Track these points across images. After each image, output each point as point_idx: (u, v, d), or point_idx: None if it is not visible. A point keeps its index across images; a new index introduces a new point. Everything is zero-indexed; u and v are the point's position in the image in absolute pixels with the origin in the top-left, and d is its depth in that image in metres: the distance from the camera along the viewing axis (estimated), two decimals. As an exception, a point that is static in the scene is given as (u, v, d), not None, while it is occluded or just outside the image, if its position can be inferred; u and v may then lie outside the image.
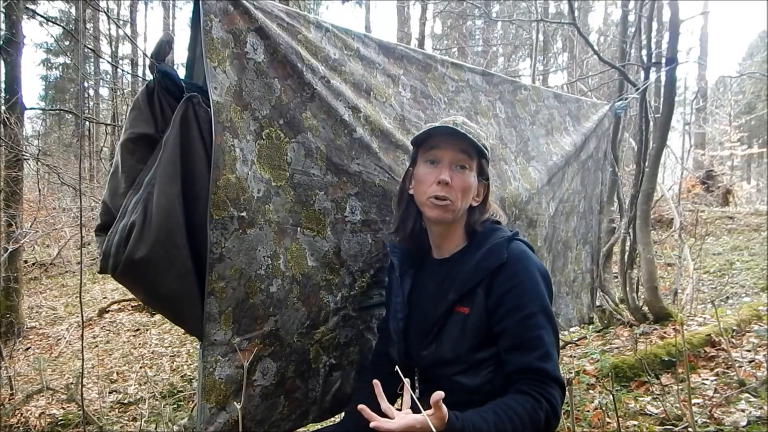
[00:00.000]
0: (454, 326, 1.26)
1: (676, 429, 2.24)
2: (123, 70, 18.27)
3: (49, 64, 18.09)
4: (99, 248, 1.34)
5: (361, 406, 1.02)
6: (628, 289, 3.90)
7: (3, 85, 6.06)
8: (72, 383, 4.13)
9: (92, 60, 14.90)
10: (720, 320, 3.08)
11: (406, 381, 1.09)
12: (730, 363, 2.76)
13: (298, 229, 1.51)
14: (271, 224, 1.44)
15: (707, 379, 2.72)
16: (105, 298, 7.56)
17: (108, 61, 16.57)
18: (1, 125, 5.29)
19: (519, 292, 1.21)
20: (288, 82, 1.47)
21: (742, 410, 2.32)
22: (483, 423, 1.07)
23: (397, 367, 1.11)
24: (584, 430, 2.36)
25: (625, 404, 2.55)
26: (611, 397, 2.16)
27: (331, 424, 1.56)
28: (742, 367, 2.74)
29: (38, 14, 8.30)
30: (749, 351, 3.01)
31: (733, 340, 3.19)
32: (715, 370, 2.81)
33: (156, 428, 3.27)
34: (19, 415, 3.73)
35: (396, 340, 1.39)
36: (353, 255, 1.63)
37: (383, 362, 1.47)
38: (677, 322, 2.71)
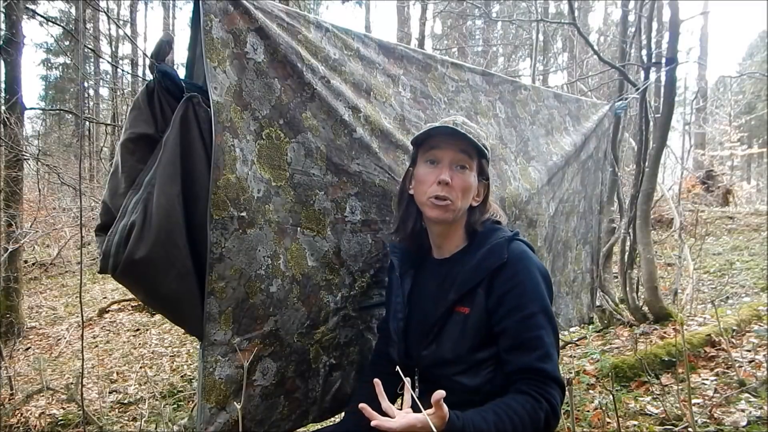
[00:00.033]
0: (454, 326, 1.26)
1: (676, 429, 2.24)
2: (123, 70, 18.28)
3: (49, 64, 18.10)
4: (99, 248, 1.34)
5: (362, 405, 1.02)
6: (628, 289, 3.90)
7: (3, 85, 6.06)
8: (72, 383, 4.13)
9: (92, 60, 14.91)
10: (720, 320, 3.08)
11: (407, 380, 1.09)
12: (730, 363, 2.76)
13: (298, 229, 1.51)
14: (271, 224, 1.44)
15: (707, 379, 2.72)
16: (105, 298, 7.56)
17: (108, 61, 16.58)
18: (1, 125, 5.29)
19: (519, 292, 1.21)
20: (288, 82, 1.47)
21: (742, 410, 2.32)
22: (483, 422, 1.07)
23: (397, 367, 1.11)
24: (584, 430, 2.36)
25: (625, 404, 2.55)
26: (611, 397, 2.16)
27: (331, 424, 1.56)
28: (742, 367, 2.74)
29: (38, 14, 8.31)
30: (749, 351, 3.01)
31: (733, 340, 3.19)
32: (715, 370, 2.81)
33: (156, 428, 3.27)
34: (19, 415, 3.73)
35: (396, 340, 1.39)
36: (353, 255, 1.63)
37: (383, 362, 1.47)
38: (677, 322, 2.71)
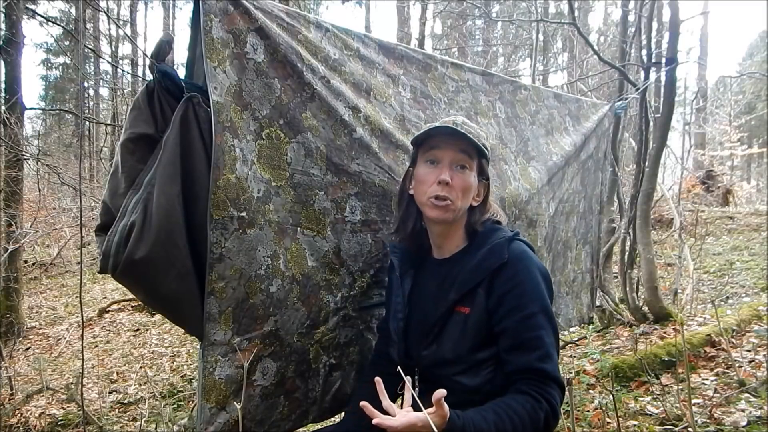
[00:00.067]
0: (454, 326, 1.26)
1: (676, 429, 2.24)
2: (123, 70, 18.28)
3: (49, 64, 18.09)
4: (99, 248, 1.34)
5: (363, 403, 1.02)
6: (628, 289, 3.90)
7: (3, 85, 6.06)
8: (72, 383, 4.13)
9: (92, 60, 14.91)
10: (720, 320, 3.08)
11: (407, 379, 1.09)
12: (730, 363, 2.76)
13: (298, 229, 1.51)
14: (271, 224, 1.44)
15: (707, 379, 2.72)
16: (105, 298, 7.56)
17: (108, 61, 16.58)
18: (1, 125, 5.29)
19: (519, 293, 1.21)
20: (288, 82, 1.47)
21: (742, 410, 2.32)
22: (483, 422, 1.08)
23: (398, 367, 1.11)
24: (584, 430, 2.36)
25: (625, 404, 2.55)
26: (611, 397, 2.16)
27: (331, 424, 1.56)
28: (742, 367, 2.74)
29: (38, 14, 8.31)
30: (749, 351, 3.01)
31: (733, 340, 3.19)
32: (715, 370, 2.81)
33: (156, 428, 3.27)
34: (19, 415, 3.73)
35: (396, 340, 1.39)
36: (353, 255, 1.63)
37: (383, 362, 1.47)
38: (677, 322, 2.71)
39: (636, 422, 2.37)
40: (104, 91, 17.41)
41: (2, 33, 5.76)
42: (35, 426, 3.58)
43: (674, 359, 2.81)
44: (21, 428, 3.58)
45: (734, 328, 3.30)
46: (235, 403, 1.34)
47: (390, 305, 1.47)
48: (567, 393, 1.48)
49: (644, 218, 3.69)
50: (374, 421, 1.00)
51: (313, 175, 1.53)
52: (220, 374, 1.36)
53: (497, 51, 17.55)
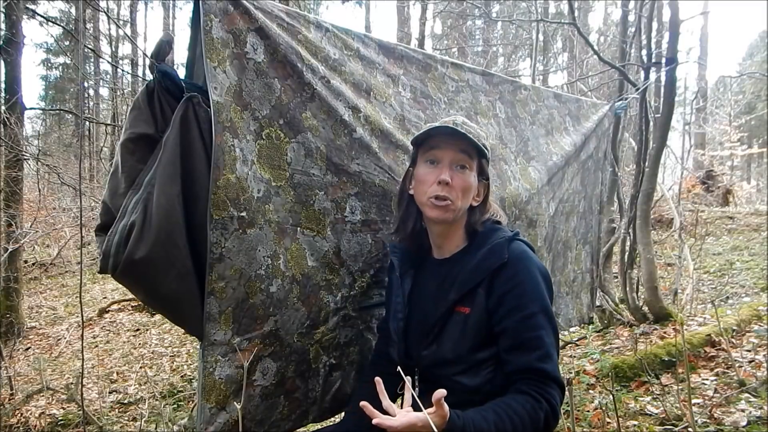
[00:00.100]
0: (454, 326, 1.26)
1: (676, 429, 2.24)
2: (123, 70, 18.28)
3: (49, 64, 18.09)
4: (99, 248, 1.34)
5: (363, 403, 1.02)
6: (628, 289, 3.90)
7: (3, 85, 6.06)
8: (72, 383, 4.14)
9: (92, 60, 14.91)
10: (720, 320, 3.08)
11: (408, 379, 1.09)
12: (730, 363, 2.76)
13: (298, 229, 1.51)
14: (271, 224, 1.44)
15: (707, 379, 2.72)
16: (105, 298, 7.56)
17: (108, 61, 16.58)
18: (1, 125, 5.29)
19: (519, 293, 1.21)
20: (288, 82, 1.47)
21: (742, 410, 2.32)
22: (483, 422, 1.08)
23: (398, 367, 1.11)
24: (584, 430, 2.36)
25: (625, 404, 2.55)
26: (611, 397, 2.16)
27: (331, 424, 1.56)
28: (742, 367, 2.74)
29: (38, 14, 8.31)
30: (749, 351, 3.01)
31: (733, 340, 3.19)
32: (715, 370, 2.81)
33: (156, 428, 3.27)
34: (19, 415, 3.73)
35: (396, 340, 1.39)
36: (353, 255, 1.63)
37: (383, 362, 1.47)
38: (677, 322, 2.71)
39: (636, 422, 2.37)
40: (104, 91, 17.43)
41: (2, 33, 5.76)
42: (35, 426, 3.58)
43: (674, 359, 2.81)
44: (21, 428, 3.58)
45: (734, 328, 3.30)
46: (235, 403, 1.34)
47: (390, 305, 1.47)
48: (567, 393, 1.48)
49: (644, 218, 3.69)
50: (374, 421, 1.00)
51: (313, 175, 1.53)
52: (220, 374, 1.36)
53: (497, 51, 17.55)
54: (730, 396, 2.45)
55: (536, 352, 1.17)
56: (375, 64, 1.73)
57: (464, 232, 1.36)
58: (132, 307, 6.84)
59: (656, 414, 2.42)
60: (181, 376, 4.46)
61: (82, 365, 2.74)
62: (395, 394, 1.27)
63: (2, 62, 5.88)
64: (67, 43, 12.16)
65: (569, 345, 3.73)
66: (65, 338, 5.99)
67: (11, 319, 5.94)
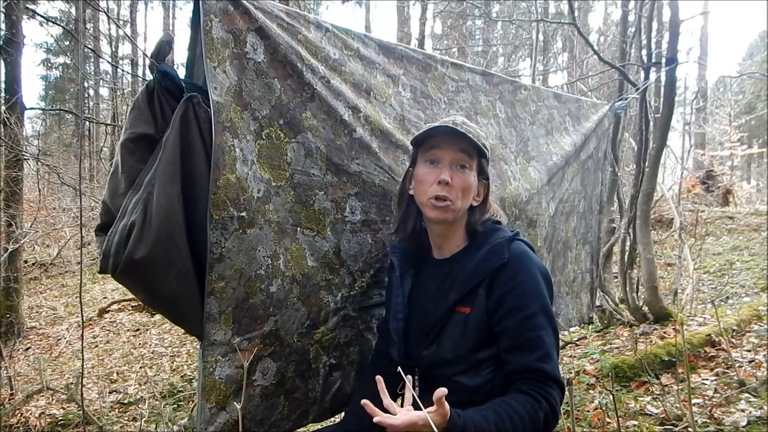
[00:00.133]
0: (454, 326, 1.26)
1: (676, 429, 2.24)
2: (123, 70, 18.28)
3: (49, 64, 18.09)
4: (99, 248, 1.34)
5: (364, 401, 1.02)
6: (628, 289, 3.91)
7: (3, 85, 6.06)
8: (72, 383, 4.14)
9: (92, 60, 14.91)
10: (720, 320, 3.08)
11: (408, 378, 1.09)
12: (730, 363, 2.76)
13: (298, 229, 1.51)
14: (271, 224, 1.44)
15: (707, 379, 2.72)
16: (105, 298, 7.56)
17: (108, 61, 16.58)
18: (1, 125, 5.29)
19: (520, 293, 1.21)
20: (288, 82, 1.47)
21: (742, 410, 2.32)
22: (484, 421, 1.08)
23: (399, 367, 1.11)
24: (584, 430, 2.36)
25: (625, 404, 2.55)
26: (611, 397, 2.16)
27: (331, 424, 1.56)
28: (742, 367, 2.74)
29: (38, 14, 8.31)
30: (749, 351, 3.01)
31: (733, 340, 3.19)
32: (715, 370, 2.81)
33: (156, 428, 3.27)
34: (19, 415, 3.73)
35: (396, 340, 1.39)
36: (353, 255, 1.63)
37: (383, 362, 1.47)
38: (677, 322, 2.71)
39: (636, 422, 2.37)
40: (104, 91, 17.43)
41: (2, 33, 5.76)
42: (35, 426, 3.58)
43: (674, 359, 2.81)
44: (21, 428, 3.58)
45: (734, 328, 3.30)
46: (235, 403, 1.34)
47: (390, 305, 1.47)
48: (567, 393, 1.48)
49: (644, 218, 3.69)
50: (375, 419, 1.00)
51: (313, 175, 1.53)
52: (220, 374, 1.36)
53: (497, 51, 17.55)
54: (730, 396, 2.45)
55: (536, 353, 1.17)
56: (375, 64, 1.73)
57: (464, 232, 1.36)
58: (132, 307, 6.85)
59: (656, 414, 2.42)
60: (181, 376, 4.46)
61: (82, 365, 2.74)
62: (395, 394, 1.27)
63: (2, 62, 5.88)
64: (67, 43, 12.16)
65: (569, 345, 3.73)
66: (65, 338, 5.99)
67: (11, 319, 5.94)
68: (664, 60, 3.62)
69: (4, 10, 5.65)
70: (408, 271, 1.43)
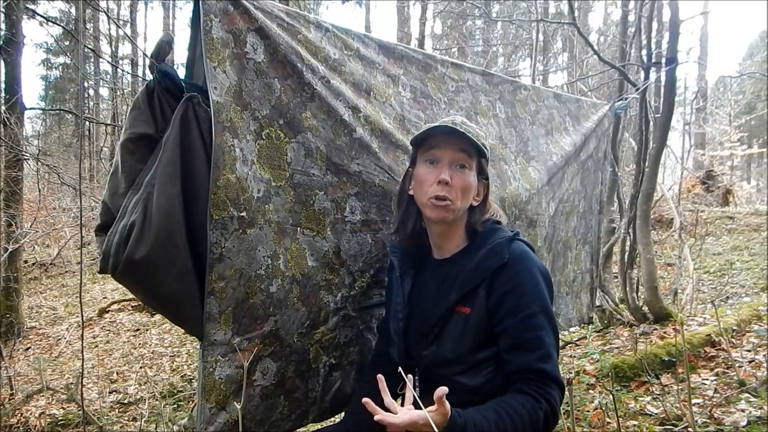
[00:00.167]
0: (454, 326, 1.26)
1: (676, 429, 2.24)
2: (123, 70, 18.28)
3: (49, 64, 18.09)
4: (99, 248, 1.34)
5: (365, 400, 1.02)
6: (628, 289, 3.91)
7: (3, 85, 6.06)
8: (72, 383, 4.14)
9: (92, 60, 14.91)
10: (720, 320, 3.08)
11: (409, 378, 1.09)
12: (730, 363, 2.76)
13: (298, 229, 1.51)
14: (271, 224, 1.44)
15: (707, 379, 2.72)
16: (105, 298, 7.56)
17: (108, 61, 16.58)
18: (1, 125, 5.29)
19: (520, 293, 1.21)
20: (288, 82, 1.47)
21: (742, 410, 2.32)
22: (484, 421, 1.08)
23: (399, 367, 1.12)
24: (584, 430, 2.36)
25: (625, 404, 2.55)
26: (611, 397, 2.16)
27: (331, 424, 1.56)
28: (742, 367, 2.74)
29: (38, 14, 8.31)
30: (749, 351, 3.01)
31: (733, 340, 3.19)
32: (715, 370, 2.81)
33: (156, 428, 3.27)
34: (19, 415, 3.73)
35: (396, 340, 1.39)
36: (353, 255, 1.63)
37: (383, 362, 1.47)
38: (677, 322, 2.71)
39: (636, 422, 2.37)
40: (104, 91, 17.43)
41: (2, 33, 5.76)
42: (35, 426, 3.59)
43: (674, 359, 2.81)
44: (21, 428, 3.58)
45: (734, 328, 3.30)
46: (235, 403, 1.34)
47: (390, 305, 1.47)
48: (567, 393, 1.48)
49: (644, 218, 3.69)
50: (376, 418, 1.00)
51: (313, 175, 1.53)
52: (220, 374, 1.36)
53: (497, 51, 17.55)
54: (730, 396, 2.45)
55: (536, 353, 1.17)
56: (375, 64, 1.73)
57: (464, 232, 1.36)
58: (132, 307, 6.85)
59: (656, 414, 2.42)
60: (181, 376, 4.46)
61: (82, 365, 2.74)
62: (396, 394, 1.27)
63: (2, 62, 5.88)
64: (67, 43, 12.17)
65: (569, 345, 3.73)
66: (65, 338, 5.99)
67: (11, 319, 5.94)
68: (664, 60, 3.62)
69: (4, 10, 5.65)
70: (408, 271, 1.43)
